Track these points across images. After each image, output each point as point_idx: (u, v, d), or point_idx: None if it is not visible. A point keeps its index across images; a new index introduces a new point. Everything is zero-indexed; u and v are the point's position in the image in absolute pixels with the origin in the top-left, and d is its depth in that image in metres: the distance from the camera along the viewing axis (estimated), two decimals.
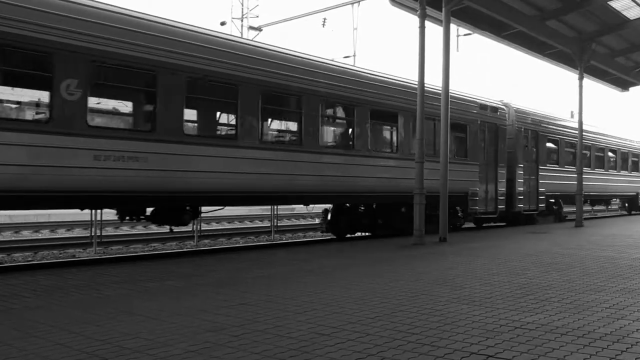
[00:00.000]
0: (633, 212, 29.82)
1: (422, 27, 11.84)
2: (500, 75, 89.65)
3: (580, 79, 18.30)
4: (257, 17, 33.14)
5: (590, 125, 24.25)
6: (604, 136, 25.39)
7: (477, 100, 16.98)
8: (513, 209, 18.24)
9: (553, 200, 20.84)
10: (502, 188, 17.56)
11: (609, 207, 32.50)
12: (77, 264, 10.36)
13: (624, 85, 23.68)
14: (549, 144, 20.48)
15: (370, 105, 13.41)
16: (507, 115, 18.05)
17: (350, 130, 13.54)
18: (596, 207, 31.83)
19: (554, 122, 21.05)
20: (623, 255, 9.60)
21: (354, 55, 28.80)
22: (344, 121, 13.76)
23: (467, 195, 16.19)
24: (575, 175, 18.82)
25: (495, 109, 17.57)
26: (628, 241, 12.36)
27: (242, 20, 32.35)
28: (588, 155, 23.34)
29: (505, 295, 5.97)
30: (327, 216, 14.69)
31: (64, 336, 4.34)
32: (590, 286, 6.55)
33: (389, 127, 14.68)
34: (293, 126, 12.39)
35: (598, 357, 3.78)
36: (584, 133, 19.33)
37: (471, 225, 18.69)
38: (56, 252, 13.84)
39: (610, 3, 15.59)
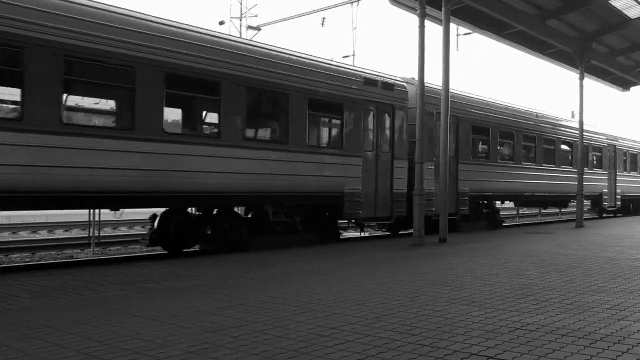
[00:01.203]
0: (605, 215, 26.44)
1: (422, 27, 11.81)
2: (500, 75, 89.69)
3: (581, 78, 18.26)
4: (256, 16, 33.10)
5: (538, 111, 20.58)
6: (556, 126, 21.18)
7: (361, 74, 13.16)
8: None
9: (485, 203, 17.76)
10: (400, 188, 13.71)
11: (558, 210, 28.44)
12: (76, 265, 10.35)
13: (625, 85, 23.65)
14: (476, 134, 16.81)
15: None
16: (410, 95, 14.19)
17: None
18: (543, 210, 28.87)
19: (483, 105, 17.24)
20: (624, 256, 9.57)
21: (354, 55, 28.77)
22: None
23: (344, 197, 12.37)
24: (515, 172, 17.61)
25: (389, 86, 13.65)
26: (629, 242, 12.34)
27: (241, 20, 32.35)
28: (533, 148, 19.63)
29: (505, 296, 5.94)
30: (154, 224, 10.94)
31: (62, 337, 4.31)
32: (591, 287, 6.53)
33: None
34: None
35: (599, 358, 3.75)
36: (525, 121, 17.91)
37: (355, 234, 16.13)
38: (54, 253, 13.82)
39: (611, 2, 15.57)
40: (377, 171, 13.38)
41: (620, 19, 16.86)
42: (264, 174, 10.84)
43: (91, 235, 13.93)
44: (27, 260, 12.90)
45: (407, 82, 14.49)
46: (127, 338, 4.29)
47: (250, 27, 30.93)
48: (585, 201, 24.22)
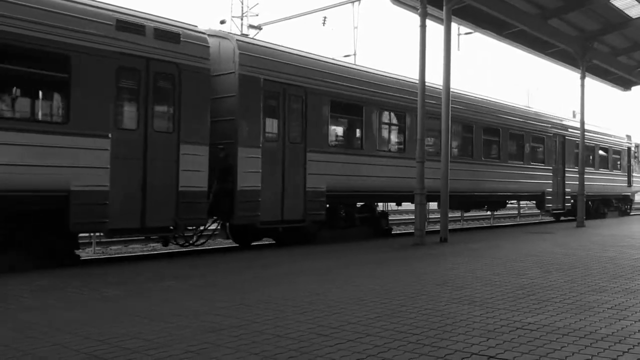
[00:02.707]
0: (563, 218, 23.04)
1: (423, 26, 11.80)
2: (501, 74, 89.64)
3: (582, 78, 18.24)
4: (257, 15, 33.07)
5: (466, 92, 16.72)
6: (477, 110, 16.73)
7: (110, 13, 8.94)
8: (233, 220, 10.64)
9: (362, 204, 14.02)
10: (194, 184, 9.69)
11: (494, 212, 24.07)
12: (75, 265, 10.34)
13: (626, 84, 23.62)
14: (341, 113, 12.88)
15: None
16: (218, 54, 10.57)
17: None
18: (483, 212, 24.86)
19: (352, 76, 12.95)
20: (625, 256, 9.56)
21: (355, 54, 28.75)
22: None
23: (69, 198, 8.27)
24: (407, 166, 13.48)
25: (171, 36, 9.52)
26: (630, 242, 12.32)
27: (242, 19, 32.33)
28: (459, 141, 16.19)
29: (506, 296, 5.93)
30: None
31: (62, 336, 4.31)
32: (591, 287, 6.51)
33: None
34: None
35: (600, 357, 3.74)
36: (451, 105, 13.29)
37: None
38: None
39: (612, 1, 15.55)
40: (147, 159, 9.20)
41: (621, 19, 16.84)
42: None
43: (92, 234, 13.92)
44: None
45: (213, 35, 10.81)
46: (127, 337, 4.28)
47: (251, 26, 30.93)
48: (528, 202, 22.29)
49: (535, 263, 8.60)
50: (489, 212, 24.85)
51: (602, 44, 18.94)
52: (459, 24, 17.98)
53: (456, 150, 16.04)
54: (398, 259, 9.17)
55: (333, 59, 13.73)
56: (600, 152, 23.65)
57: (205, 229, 10.93)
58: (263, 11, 58.69)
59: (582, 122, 18.55)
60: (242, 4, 32.61)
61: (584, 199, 18.45)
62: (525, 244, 11.83)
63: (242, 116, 10.51)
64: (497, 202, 18.89)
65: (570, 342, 4.13)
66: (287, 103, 11.39)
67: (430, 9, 12.65)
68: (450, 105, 12.87)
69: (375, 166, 13.31)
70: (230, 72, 10.58)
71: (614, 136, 25.08)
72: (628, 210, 27.06)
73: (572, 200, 20.79)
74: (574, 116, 26.70)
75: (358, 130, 13.36)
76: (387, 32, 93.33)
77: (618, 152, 25.22)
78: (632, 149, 26.83)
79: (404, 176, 13.64)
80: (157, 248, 14.96)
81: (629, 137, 26.58)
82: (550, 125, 20.38)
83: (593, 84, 23.34)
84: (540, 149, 19.78)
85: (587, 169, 21.04)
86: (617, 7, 16.00)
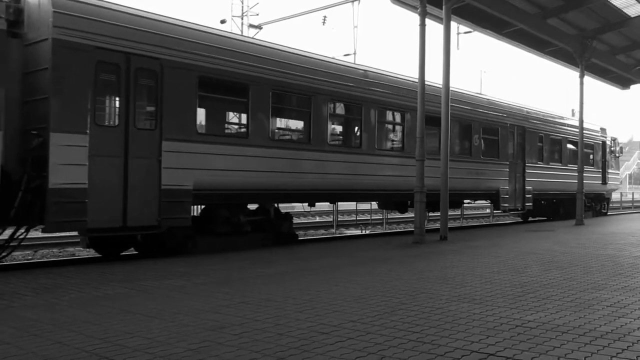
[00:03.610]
0: (532, 219, 21.53)
1: (422, 25, 11.81)
2: (500, 73, 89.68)
3: (581, 76, 18.27)
4: (257, 15, 33.07)
5: (368, 67, 13.82)
6: (399, 93, 13.95)
7: None
8: (45, 226, 8.35)
9: (257, 207, 11.81)
10: None
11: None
12: (77, 263, 10.35)
13: (624, 83, 23.65)
14: (214, 93, 10.67)
15: None
16: (38, 16, 8.55)
17: None
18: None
19: (234, 49, 10.54)
20: (624, 253, 9.58)
21: (355, 53, 28.75)
22: None
23: None
24: (309, 160, 11.63)
25: None
26: (629, 239, 12.34)
27: (242, 19, 32.32)
28: (352, 124, 13.53)
29: (506, 294, 5.95)
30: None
31: (63, 334, 4.33)
32: (591, 284, 6.54)
33: None
34: None
35: (599, 355, 3.76)
36: (330, 79, 12.07)
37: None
38: (56, 251, 13.85)
39: (611, 1, 15.58)
40: None
41: (620, 17, 16.87)
42: None
43: None
44: (29, 257, 12.93)
45: None
46: (128, 336, 4.30)
47: (251, 26, 30.94)
48: (484, 201, 19.32)
49: (535, 261, 8.62)
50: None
51: (601, 42, 18.96)
52: (458, 23, 18.02)
53: (382, 142, 13.76)
54: (398, 257, 9.19)
55: (201, 25, 10.60)
56: (569, 145, 21.33)
57: (13, 237, 8.84)
58: (263, 11, 58.83)
59: (581, 122, 18.54)
60: (243, 3, 32.62)
61: (582, 197, 18.44)
62: (525, 241, 11.85)
63: (58, 94, 8.29)
64: (402, 203, 15.38)
65: (569, 339, 4.15)
66: (133, 79, 9.08)
67: (430, 8, 12.66)
68: (374, 89, 12.03)
69: (270, 159, 10.93)
70: (44, 39, 8.39)
71: (586, 129, 21.79)
72: (603, 210, 24.66)
73: (538, 200, 19.47)
74: (573, 115, 26.39)
75: (244, 115, 10.94)
76: (387, 31, 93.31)
77: (591, 147, 22.77)
78: (608, 143, 24.53)
79: (312, 171, 11.61)
80: None
81: (603, 130, 24.26)
82: (506, 115, 17.80)
83: (592, 82, 23.34)
84: (495, 141, 17.30)
85: (553, 164, 19.85)
86: (616, 6, 16.03)
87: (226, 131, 11.67)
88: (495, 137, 17.31)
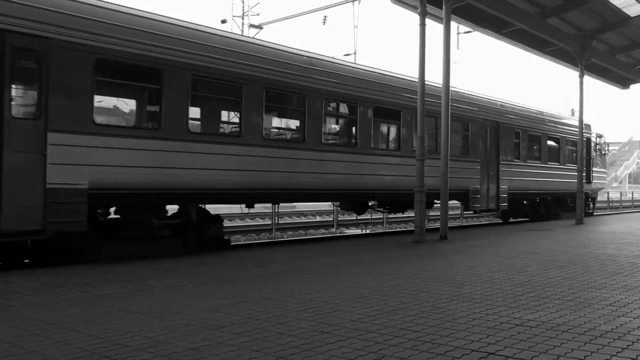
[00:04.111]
0: (513, 219, 20.61)
1: (422, 25, 11.82)
2: (500, 72, 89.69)
3: (581, 76, 18.28)
4: (258, 14, 33.08)
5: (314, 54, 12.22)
6: (358, 83, 12.61)
7: None
8: None
9: (175, 212, 10.32)
10: None
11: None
12: (78, 262, 10.35)
13: (624, 82, 23.65)
14: (117, 81, 9.30)
15: None
16: None
17: None
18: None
19: (140, 28, 9.09)
20: (624, 253, 9.59)
21: (355, 53, 28.80)
22: None
23: None
24: (242, 155, 10.17)
25: None
26: (629, 238, 12.35)
27: (242, 18, 32.33)
28: (298, 116, 11.87)
29: (505, 293, 5.96)
30: None
31: (64, 334, 4.33)
32: (591, 283, 6.54)
33: None
34: None
35: (599, 354, 3.77)
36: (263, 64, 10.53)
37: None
38: None
39: (610, 0, 15.58)
40: None
41: (620, 17, 16.87)
42: None
43: None
44: None
45: None
46: (129, 335, 4.31)
47: (252, 25, 30.96)
48: (455, 201, 17.01)
49: (535, 260, 8.62)
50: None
51: (601, 42, 18.96)
52: (458, 23, 18.03)
53: (329, 136, 12.62)
54: (398, 257, 9.19)
55: (102, 1, 8.98)
56: (550, 142, 20.05)
57: None
58: (264, 11, 58.83)
59: (581, 121, 18.57)
60: (243, 3, 32.64)
61: (582, 196, 18.46)
62: (525, 241, 11.85)
63: None
64: (404, 202, 14.23)
65: (569, 338, 4.15)
66: (9, 60, 7.75)
67: (430, 8, 12.66)
68: (312, 76, 10.72)
69: (189, 154, 9.54)
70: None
71: (569, 125, 21.04)
72: (589, 210, 23.04)
73: (518, 200, 18.39)
74: (573, 114, 26.33)
75: (155, 104, 9.51)
76: (388, 30, 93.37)
77: (574, 144, 20.79)
78: (593, 139, 23.13)
79: (243, 169, 10.26)
80: None
81: (588, 126, 22.36)
82: (477, 109, 16.41)
83: (592, 82, 23.36)
84: (465, 137, 16.00)
85: (531, 162, 18.54)
86: (616, 6, 16.03)
87: (134, 122, 10.13)
88: (466, 132, 16.04)
